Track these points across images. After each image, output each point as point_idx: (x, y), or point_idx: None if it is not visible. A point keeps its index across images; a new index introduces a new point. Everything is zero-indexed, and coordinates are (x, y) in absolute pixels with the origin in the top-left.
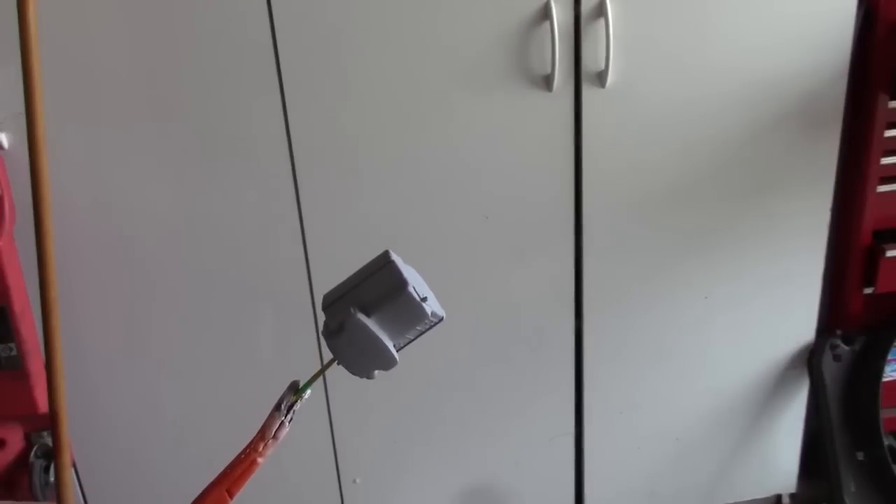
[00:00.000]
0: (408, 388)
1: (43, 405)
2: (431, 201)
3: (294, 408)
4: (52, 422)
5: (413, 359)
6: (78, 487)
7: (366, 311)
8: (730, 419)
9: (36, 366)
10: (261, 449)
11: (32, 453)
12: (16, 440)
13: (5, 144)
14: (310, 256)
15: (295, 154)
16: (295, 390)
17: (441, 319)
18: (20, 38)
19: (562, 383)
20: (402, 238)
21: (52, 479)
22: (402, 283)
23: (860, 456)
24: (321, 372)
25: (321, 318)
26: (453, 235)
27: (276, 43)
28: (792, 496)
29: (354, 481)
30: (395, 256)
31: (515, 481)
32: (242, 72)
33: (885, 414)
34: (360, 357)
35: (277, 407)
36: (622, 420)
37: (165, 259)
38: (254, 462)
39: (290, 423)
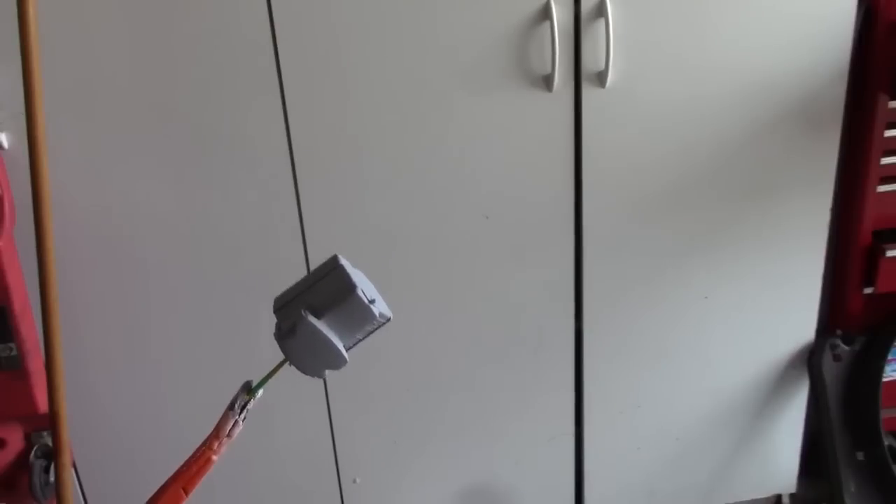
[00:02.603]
0: (408, 388)
1: (43, 405)
2: (431, 201)
3: (247, 407)
4: (52, 422)
5: (413, 359)
6: (78, 487)
7: (316, 314)
8: (730, 419)
9: (36, 366)
10: (215, 447)
11: (32, 453)
12: (16, 440)
13: (5, 144)
14: (310, 256)
15: (295, 154)
16: (248, 390)
17: (388, 320)
18: (20, 38)
19: (562, 383)
20: (402, 238)
21: (52, 479)
22: (350, 286)
23: (860, 456)
24: (273, 373)
25: None
26: (453, 235)
27: (276, 43)
28: (792, 496)
29: (354, 481)
30: (343, 260)
31: (515, 481)
32: (242, 72)
33: (885, 414)
34: (312, 357)
35: (231, 406)
36: (622, 420)
37: (166, 259)
38: (209, 460)
39: (243, 421)
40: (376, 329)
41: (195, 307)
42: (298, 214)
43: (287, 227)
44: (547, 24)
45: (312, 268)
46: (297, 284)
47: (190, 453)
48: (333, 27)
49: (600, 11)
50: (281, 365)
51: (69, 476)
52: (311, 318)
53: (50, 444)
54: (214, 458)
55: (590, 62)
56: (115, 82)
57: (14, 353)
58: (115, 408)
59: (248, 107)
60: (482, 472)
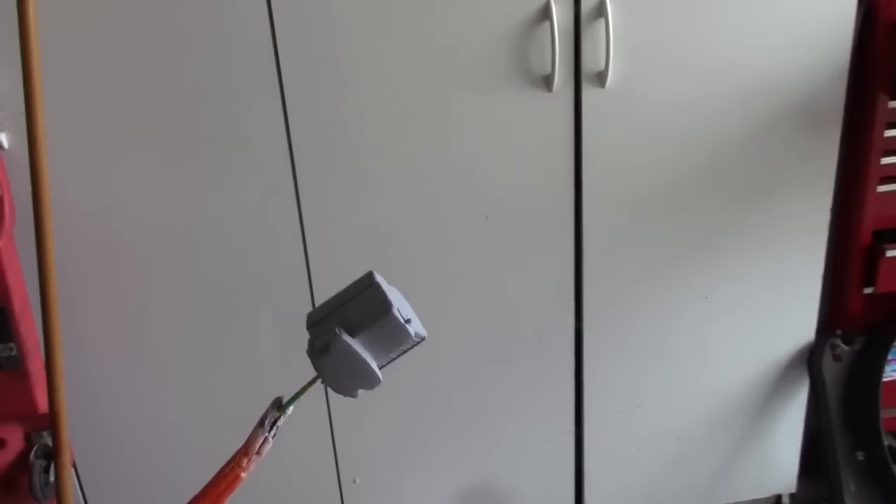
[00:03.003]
0: (408, 388)
1: (43, 405)
2: (431, 201)
3: (277, 424)
4: (52, 422)
5: (413, 359)
6: (78, 487)
7: (350, 332)
8: (730, 419)
9: (36, 366)
10: (244, 464)
11: (32, 453)
12: (16, 440)
13: (5, 144)
14: (310, 257)
15: (295, 154)
16: (278, 407)
17: (423, 339)
18: (20, 38)
19: (562, 383)
20: (402, 238)
21: (52, 479)
22: (386, 305)
23: (860, 456)
24: (304, 389)
25: None
26: (453, 235)
27: (276, 43)
28: (792, 496)
29: (354, 481)
30: (378, 277)
31: (515, 481)
32: (242, 72)
33: (885, 414)
34: (345, 377)
35: (261, 423)
36: (622, 420)
37: (166, 260)
38: (237, 477)
39: (273, 438)
40: (410, 348)
41: (195, 307)
42: (298, 215)
43: (287, 228)
44: (547, 24)
45: (311, 269)
46: (331, 300)
47: (189, 453)
48: (333, 27)
49: (600, 11)
50: (312, 382)
51: (69, 476)
52: (346, 337)
53: (50, 444)
54: (243, 475)
55: (590, 62)
56: (115, 82)
57: (14, 353)
58: (115, 408)
59: (248, 107)
60: (482, 472)
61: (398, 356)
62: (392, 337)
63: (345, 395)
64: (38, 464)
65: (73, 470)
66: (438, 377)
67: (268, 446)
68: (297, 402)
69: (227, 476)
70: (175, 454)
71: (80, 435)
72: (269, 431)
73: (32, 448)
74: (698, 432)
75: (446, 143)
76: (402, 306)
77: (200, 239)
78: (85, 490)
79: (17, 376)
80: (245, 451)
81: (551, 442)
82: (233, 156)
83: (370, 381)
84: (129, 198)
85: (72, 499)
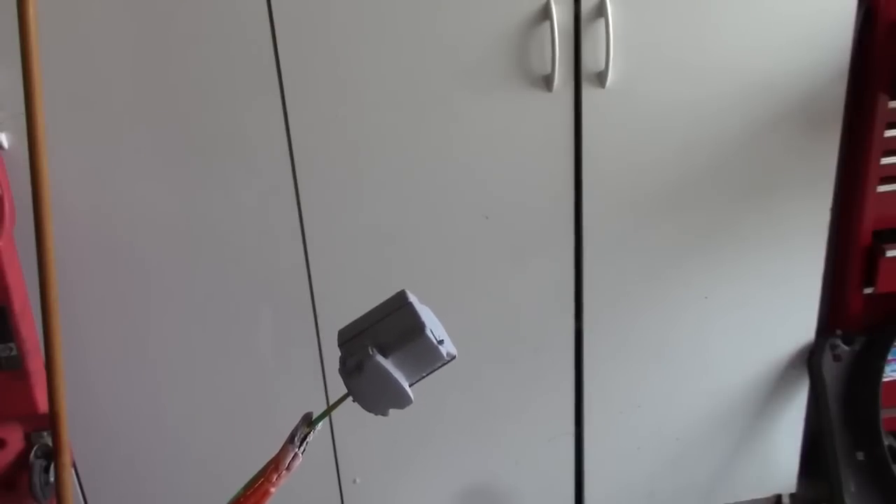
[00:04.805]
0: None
1: (43, 405)
2: (431, 201)
3: (307, 439)
4: (52, 422)
5: None
6: (78, 487)
7: (383, 352)
8: (730, 419)
9: (36, 366)
10: (274, 479)
11: (32, 453)
12: (16, 440)
13: (5, 144)
14: (310, 257)
15: (295, 154)
16: (308, 422)
17: (454, 358)
18: (20, 38)
19: (562, 383)
20: (401, 238)
21: (52, 479)
22: (419, 326)
23: (860, 456)
24: (335, 406)
25: (322, 319)
26: (453, 235)
27: (276, 43)
28: (792, 496)
29: (354, 481)
30: (411, 297)
31: (515, 481)
32: (242, 72)
33: (885, 414)
34: (377, 396)
35: (291, 439)
36: (622, 420)
37: (166, 260)
38: (267, 492)
39: (303, 454)
40: (440, 367)
41: (195, 307)
42: (298, 215)
43: (287, 228)
44: (547, 24)
45: (311, 269)
46: (363, 318)
47: (189, 453)
48: (333, 27)
49: (600, 11)
50: (342, 399)
51: (69, 476)
52: (379, 358)
53: (50, 444)
54: (273, 490)
55: (590, 62)
56: (114, 82)
57: (14, 353)
58: (115, 408)
59: (248, 107)
60: (482, 472)
61: (428, 374)
62: (424, 357)
63: (375, 414)
64: (38, 464)
65: (73, 470)
66: (438, 377)
67: (297, 462)
68: (296, 402)
69: (256, 491)
70: (175, 454)
71: (80, 435)
72: (300, 447)
73: (32, 448)
74: (698, 432)
75: (446, 143)
76: (434, 327)
77: (200, 239)
78: (85, 490)
79: (17, 376)
80: (275, 466)
81: (551, 442)
82: (233, 156)
83: (402, 401)
84: (129, 198)
85: (72, 499)
